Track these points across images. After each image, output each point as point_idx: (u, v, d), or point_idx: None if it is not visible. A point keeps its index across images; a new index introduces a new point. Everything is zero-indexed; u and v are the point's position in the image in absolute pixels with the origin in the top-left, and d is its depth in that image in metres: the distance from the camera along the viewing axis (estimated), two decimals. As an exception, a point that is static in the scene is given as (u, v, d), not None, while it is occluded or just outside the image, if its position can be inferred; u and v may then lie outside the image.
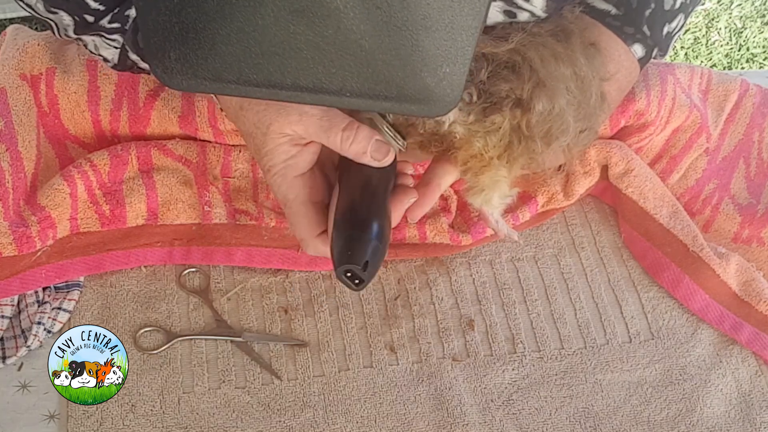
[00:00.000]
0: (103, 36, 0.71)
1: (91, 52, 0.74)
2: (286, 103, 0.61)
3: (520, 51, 0.66)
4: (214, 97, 0.70)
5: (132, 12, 0.68)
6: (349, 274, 0.58)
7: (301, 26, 0.45)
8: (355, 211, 0.60)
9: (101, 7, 0.68)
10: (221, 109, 0.73)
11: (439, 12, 0.45)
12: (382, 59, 0.47)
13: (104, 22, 0.69)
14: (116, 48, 0.72)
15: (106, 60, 0.74)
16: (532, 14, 0.73)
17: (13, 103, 0.80)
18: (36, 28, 0.80)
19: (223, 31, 0.46)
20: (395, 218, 0.66)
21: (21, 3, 0.69)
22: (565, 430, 0.77)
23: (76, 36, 0.71)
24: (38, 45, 0.82)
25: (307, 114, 0.61)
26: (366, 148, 0.62)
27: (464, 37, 0.46)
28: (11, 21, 1.94)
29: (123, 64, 0.73)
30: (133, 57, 0.72)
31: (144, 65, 0.73)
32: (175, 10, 0.46)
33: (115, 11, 0.68)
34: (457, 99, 0.50)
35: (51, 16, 0.69)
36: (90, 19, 0.68)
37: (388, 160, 0.63)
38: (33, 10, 0.70)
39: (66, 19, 0.69)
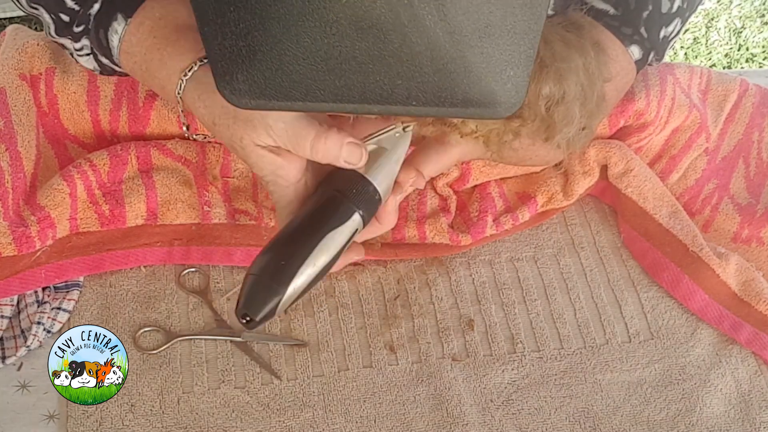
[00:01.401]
0: (74, 46, 0.70)
1: (77, 62, 0.74)
2: (251, 116, 0.59)
3: None
4: (181, 115, 0.68)
5: (95, 9, 0.67)
6: (247, 318, 0.58)
7: (366, 42, 0.46)
8: (281, 251, 0.59)
9: (76, 7, 0.67)
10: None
11: (501, 19, 0.46)
12: (447, 68, 0.47)
13: (74, 26, 0.68)
14: (88, 54, 0.71)
15: (92, 70, 0.74)
16: None
17: (12, 103, 0.80)
18: (36, 28, 0.80)
19: (290, 52, 0.47)
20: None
21: None
22: (565, 430, 0.77)
23: (57, 37, 0.70)
24: (38, 45, 0.82)
25: (271, 127, 0.59)
26: (338, 154, 0.60)
27: (526, 40, 0.47)
28: (11, 21, 1.94)
29: (104, 69, 0.72)
30: (104, 60, 0.70)
31: (119, 69, 0.71)
32: (242, 34, 0.47)
33: (80, 11, 0.67)
34: (522, 99, 0.50)
35: (33, 12, 0.69)
36: (66, 18, 0.68)
37: (360, 162, 0.61)
38: (19, 4, 0.69)
39: (46, 17, 0.68)
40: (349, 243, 0.61)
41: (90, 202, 0.81)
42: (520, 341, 0.82)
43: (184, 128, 0.71)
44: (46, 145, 0.83)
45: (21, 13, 1.92)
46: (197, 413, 0.75)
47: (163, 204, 0.82)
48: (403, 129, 0.64)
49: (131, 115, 0.83)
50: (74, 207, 0.80)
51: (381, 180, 0.62)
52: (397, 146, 0.64)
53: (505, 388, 0.79)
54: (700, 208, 0.91)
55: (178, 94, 0.64)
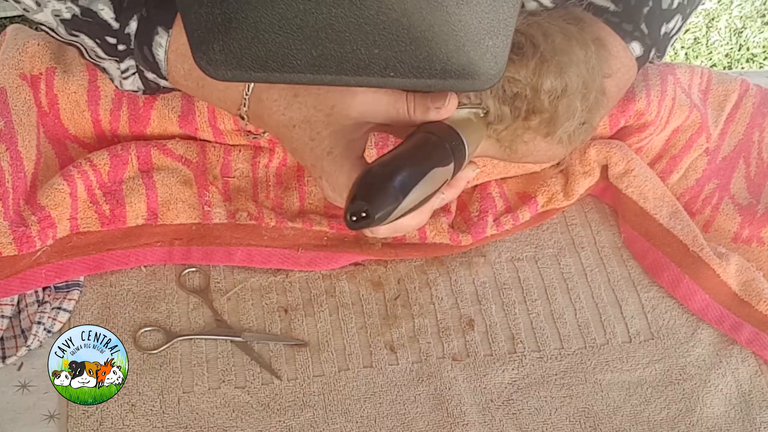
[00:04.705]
0: (119, 69, 0.71)
1: (118, 88, 0.74)
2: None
3: (523, 31, 0.67)
4: (247, 89, 0.67)
5: (131, 28, 0.68)
6: (354, 218, 0.53)
7: (342, 9, 0.46)
8: (389, 161, 0.55)
9: (116, 25, 0.67)
10: (246, 113, 0.70)
11: None
12: (425, 36, 0.47)
13: (118, 46, 0.69)
14: (134, 73, 0.71)
15: (135, 91, 0.74)
16: (540, 4, 0.73)
17: (13, 103, 0.80)
18: (36, 28, 0.80)
19: (266, 19, 0.47)
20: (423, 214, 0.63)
21: (43, 27, 0.69)
22: (565, 430, 0.77)
23: (101, 60, 0.71)
24: (38, 45, 0.82)
25: (371, 90, 0.61)
26: (427, 103, 0.61)
27: (506, 8, 0.46)
28: (11, 20, 1.94)
29: (148, 87, 0.73)
30: (150, 76, 0.71)
31: (164, 83, 0.72)
32: (217, 1, 0.46)
33: (118, 29, 0.68)
34: (501, 71, 0.50)
35: (73, 39, 0.69)
36: (112, 41, 0.68)
37: (451, 105, 0.61)
38: (55, 33, 0.69)
39: (89, 42, 0.69)
40: (437, 190, 0.60)
41: (90, 202, 0.81)
42: (521, 341, 0.82)
43: (244, 119, 0.69)
44: (47, 144, 0.83)
45: (21, 13, 1.91)
46: (197, 413, 0.75)
47: (163, 204, 0.82)
48: (484, 113, 0.65)
49: (132, 115, 0.83)
50: (75, 207, 0.80)
51: (468, 141, 0.62)
52: (479, 122, 0.65)
53: (506, 388, 0.79)
54: (701, 208, 0.91)
55: (248, 87, 0.65)
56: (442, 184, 0.60)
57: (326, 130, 0.63)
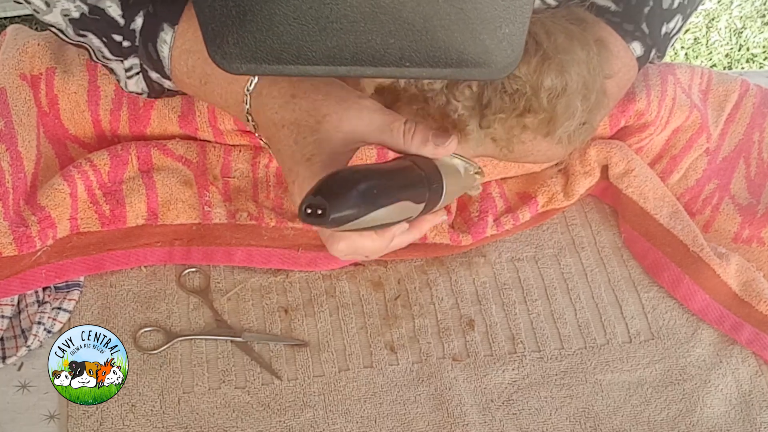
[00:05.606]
0: (124, 68, 0.71)
1: (123, 89, 0.74)
2: (346, 96, 0.60)
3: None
4: (249, 83, 0.65)
5: (137, 24, 0.67)
6: (309, 211, 0.51)
7: None
8: (365, 170, 0.54)
9: (122, 22, 0.67)
10: (246, 112, 0.70)
11: None
12: (441, 25, 0.47)
13: (123, 43, 0.69)
14: (137, 73, 0.71)
15: (140, 94, 0.74)
16: (544, 2, 0.73)
17: (13, 103, 0.80)
18: (36, 28, 0.80)
19: (280, 11, 0.46)
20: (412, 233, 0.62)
21: (52, 29, 0.69)
22: (565, 430, 0.77)
23: (108, 60, 0.71)
24: (38, 45, 0.82)
25: (368, 108, 0.60)
26: (428, 136, 0.59)
27: None
28: (11, 20, 1.94)
29: (152, 89, 0.73)
30: (154, 76, 0.71)
31: (168, 84, 0.72)
32: None
33: (124, 26, 0.68)
34: (518, 59, 0.49)
35: (80, 40, 0.69)
36: (118, 38, 0.68)
37: (451, 146, 0.60)
38: (64, 35, 0.69)
39: (96, 42, 0.69)
40: (399, 221, 0.58)
41: (90, 202, 0.81)
42: (521, 341, 0.82)
43: (252, 125, 0.68)
44: (47, 145, 0.83)
45: (21, 13, 1.92)
46: (198, 413, 0.75)
47: (163, 204, 0.82)
48: (476, 171, 0.65)
49: (132, 115, 0.83)
50: (75, 207, 0.80)
51: (447, 190, 0.61)
52: (467, 176, 0.64)
53: (506, 388, 0.79)
54: (701, 208, 0.91)
55: (250, 82, 0.64)
56: (406, 219, 0.58)
57: (312, 137, 0.62)
